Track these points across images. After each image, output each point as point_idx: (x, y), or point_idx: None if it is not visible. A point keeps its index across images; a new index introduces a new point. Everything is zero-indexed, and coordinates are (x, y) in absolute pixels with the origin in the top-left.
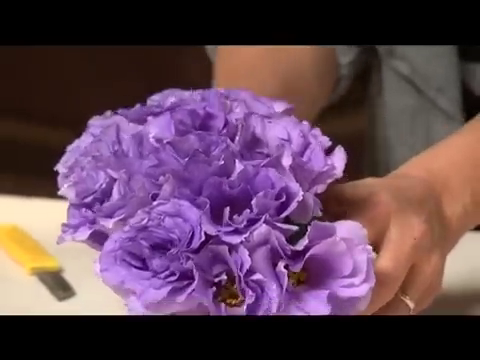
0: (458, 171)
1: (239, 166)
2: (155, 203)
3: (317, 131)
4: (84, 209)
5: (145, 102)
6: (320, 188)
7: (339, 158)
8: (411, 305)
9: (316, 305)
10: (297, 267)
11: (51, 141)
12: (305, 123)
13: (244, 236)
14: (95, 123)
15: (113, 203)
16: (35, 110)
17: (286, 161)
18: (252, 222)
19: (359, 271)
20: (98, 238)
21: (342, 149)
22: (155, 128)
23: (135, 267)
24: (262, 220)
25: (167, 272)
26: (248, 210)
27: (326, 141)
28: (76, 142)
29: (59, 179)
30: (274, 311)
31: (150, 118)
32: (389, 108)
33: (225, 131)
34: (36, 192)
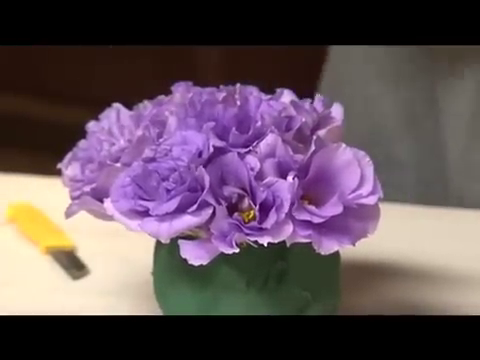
0: None
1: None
2: (161, 139)
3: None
4: (88, 171)
5: (158, 82)
6: (321, 132)
7: (337, 109)
8: None
9: (327, 208)
10: (305, 177)
11: (67, 119)
12: None
13: (252, 145)
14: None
15: (120, 146)
16: (51, 88)
17: (287, 97)
18: (259, 135)
19: (366, 181)
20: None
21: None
22: None
23: (145, 199)
24: (269, 130)
25: (178, 185)
26: (255, 122)
27: None
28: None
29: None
30: (286, 210)
31: None
32: None
33: None
34: (51, 170)
